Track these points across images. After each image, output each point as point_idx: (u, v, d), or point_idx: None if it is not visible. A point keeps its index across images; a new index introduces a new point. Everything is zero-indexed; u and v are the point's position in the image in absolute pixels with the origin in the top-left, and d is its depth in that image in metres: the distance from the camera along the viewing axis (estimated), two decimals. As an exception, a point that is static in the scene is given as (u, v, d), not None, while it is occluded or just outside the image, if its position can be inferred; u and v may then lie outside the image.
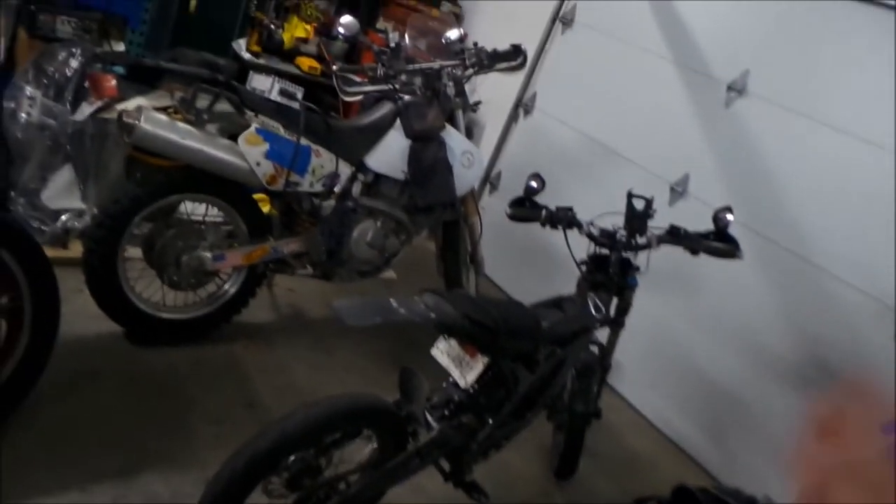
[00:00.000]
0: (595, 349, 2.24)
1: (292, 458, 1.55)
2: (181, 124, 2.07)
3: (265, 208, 2.49)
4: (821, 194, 2.59)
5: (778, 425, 2.64)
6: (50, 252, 1.81)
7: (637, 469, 2.70)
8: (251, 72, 3.49)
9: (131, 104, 2.04)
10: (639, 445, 2.85)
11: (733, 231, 2.11)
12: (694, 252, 2.11)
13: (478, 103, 2.84)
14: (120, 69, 2.20)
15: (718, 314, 2.86)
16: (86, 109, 2.16)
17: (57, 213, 2.50)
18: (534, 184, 2.17)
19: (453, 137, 2.60)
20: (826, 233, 2.57)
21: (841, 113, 2.55)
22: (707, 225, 2.12)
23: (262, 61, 3.62)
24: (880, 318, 2.39)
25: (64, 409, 1.94)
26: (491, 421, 1.79)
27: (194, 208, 2.35)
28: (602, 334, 2.25)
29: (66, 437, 1.85)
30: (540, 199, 2.19)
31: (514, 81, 3.73)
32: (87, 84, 2.28)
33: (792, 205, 2.68)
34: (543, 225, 2.15)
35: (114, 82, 2.12)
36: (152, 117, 2.01)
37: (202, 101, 2.10)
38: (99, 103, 2.10)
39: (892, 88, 2.42)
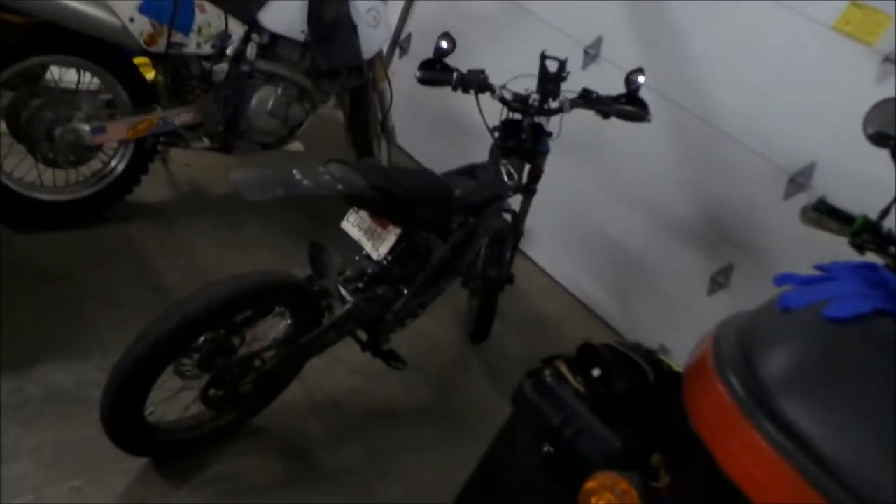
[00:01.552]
0: (508, 216, 2.25)
1: (202, 338, 1.50)
2: (29, -30, 1.75)
3: (149, 74, 2.23)
4: (729, 58, 2.60)
5: (676, 283, 2.83)
6: None
7: (548, 329, 2.86)
8: None
9: (-40, -56, 1.69)
10: (549, 307, 3.00)
11: (644, 94, 2.10)
12: (605, 115, 2.10)
13: (383, -47, 2.58)
14: None
15: (627, 179, 2.94)
16: None
17: None
18: (444, 44, 2.05)
19: (357, -8, 2.38)
20: (731, 97, 2.61)
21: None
22: (619, 90, 2.10)
23: None
24: (774, 181, 2.52)
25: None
26: (406, 291, 1.79)
27: (64, 74, 2.06)
28: (515, 201, 2.26)
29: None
30: (451, 61, 2.07)
31: (422, -70, 3.42)
32: None
33: (701, 70, 2.68)
34: (455, 89, 2.05)
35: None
36: (-10, -39, 1.68)
37: (52, -58, 1.77)
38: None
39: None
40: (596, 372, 1.07)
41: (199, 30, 2.07)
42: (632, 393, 1.05)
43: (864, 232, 1.27)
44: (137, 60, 2.16)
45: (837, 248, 1.42)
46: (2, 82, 1.90)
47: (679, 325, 2.80)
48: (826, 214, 1.37)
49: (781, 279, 0.92)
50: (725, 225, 2.68)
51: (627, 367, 1.07)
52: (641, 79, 2.06)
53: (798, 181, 2.46)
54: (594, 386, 1.05)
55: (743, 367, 0.80)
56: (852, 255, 1.35)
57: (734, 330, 0.89)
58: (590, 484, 0.86)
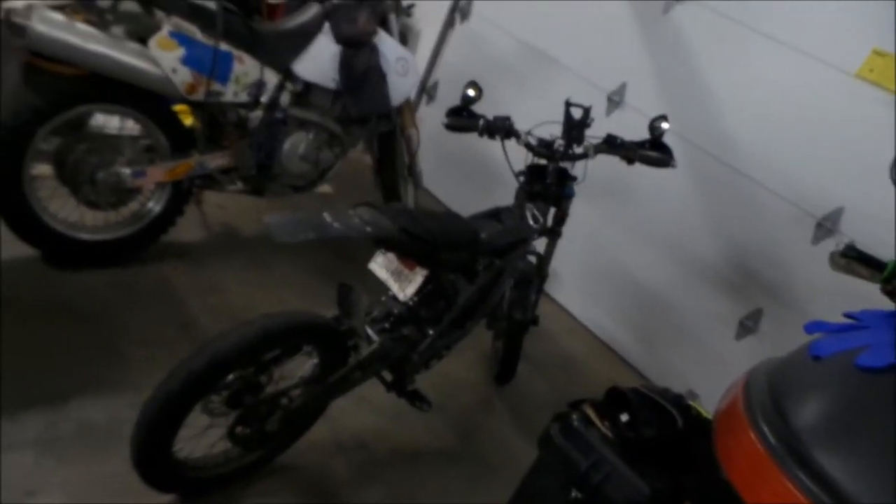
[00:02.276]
0: (533, 259, 2.27)
1: (231, 376, 1.53)
2: (81, 25, 1.86)
3: (187, 120, 2.33)
4: (753, 105, 2.62)
5: (702, 327, 2.80)
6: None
7: (573, 372, 2.83)
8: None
9: (20, 2, 1.81)
10: (575, 349, 2.98)
11: (668, 140, 2.13)
12: (630, 161, 2.13)
13: (411, 6, 2.69)
14: (3, -39, 1.94)
15: (652, 223, 2.94)
16: (-34, 8, 1.91)
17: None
18: (471, 92, 2.11)
19: (386, 43, 2.47)
20: (755, 143, 2.62)
21: (777, 23, 2.54)
22: (643, 136, 2.13)
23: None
24: (801, 225, 2.50)
25: (-17, 338, 1.83)
26: (431, 332, 1.80)
27: (107, 121, 2.16)
28: (540, 244, 2.28)
29: (-14, 367, 1.76)
30: (478, 108, 2.13)
31: (450, -17, 3.55)
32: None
33: (725, 115, 2.71)
34: (481, 135, 2.10)
35: (-3, -23, 1.87)
36: (46, 17, 1.80)
37: (104, 0, 1.89)
38: (-21, 1, 1.86)
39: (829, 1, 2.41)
40: (624, 417, 1.06)
41: (237, 79, 2.17)
42: (660, 438, 1.04)
43: (895, 278, 1.25)
44: (177, 108, 2.26)
45: (869, 294, 1.41)
46: (50, 129, 2.01)
47: (707, 369, 2.76)
48: (855, 260, 1.36)
49: (812, 327, 0.92)
50: (753, 269, 2.66)
51: (656, 413, 1.07)
52: (665, 125, 2.09)
53: (826, 226, 2.45)
54: (622, 431, 1.05)
55: (775, 414, 0.80)
56: (884, 301, 1.33)
57: (765, 377, 0.88)
58: (618, 530, 0.85)
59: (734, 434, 0.84)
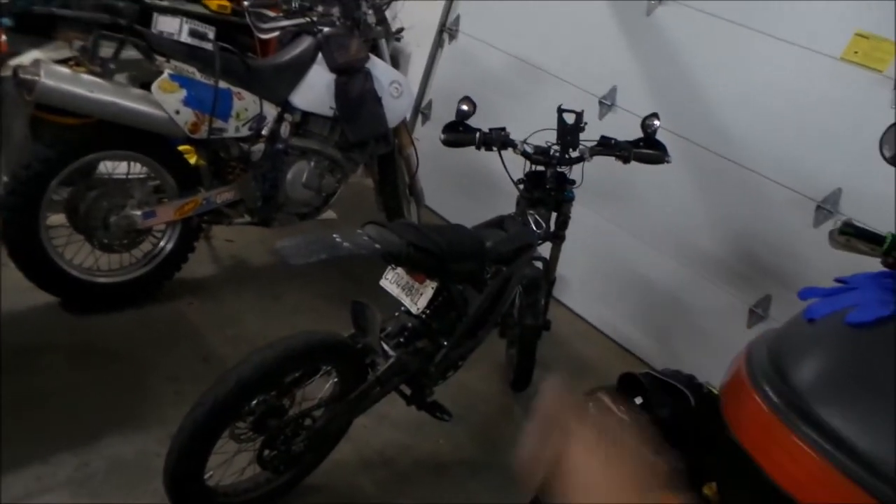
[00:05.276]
0: (539, 264, 2.30)
1: (254, 401, 1.57)
2: (86, 76, 1.94)
3: (192, 159, 2.40)
4: (743, 97, 2.67)
5: (714, 318, 2.82)
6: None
7: (588, 373, 2.85)
8: (155, 14, 3.25)
9: (27, 58, 1.89)
10: (588, 352, 3.00)
11: (661, 137, 2.18)
12: (625, 160, 2.17)
13: (400, 30, 2.77)
14: (7, 21, 2.03)
15: (654, 220, 2.98)
16: (-24, 69, 1.99)
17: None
18: (465, 107, 2.16)
19: (379, 67, 2.54)
20: (749, 134, 2.67)
21: (758, 14, 2.60)
22: (636, 136, 2.18)
23: (165, 2, 3.38)
24: (801, 210, 2.54)
25: (13, 386, 1.87)
26: (445, 343, 1.84)
27: (115, 166, 2.23)
28: (545, 249, 2.31)
29: (19, 414, 1.79)
30: (472, 122, 2.19)
31: (435, 5, 3.64)
32: (-28, 41, 2.09)
33: (716, 109, 2.76)
34: (478, 147, 2.15)
35: (3, 37, 1.96)
36: (53, 71, 1.87)
37: (106, 50, 1.97)
38: (-11, 61, 1.94)
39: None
40: (638, 400, 1.09)
41: (237, 115, 2.24)
42: (675, 418, 1.07)
43: (894, 250, 1.29)
44: (181, 147, 2.33)
45: (872, 269, 1.44)
46: (61, 179, 2.07)
47: (721, 359, 2.71)
48: (854, 236, 1.40)
49: (805, 293, 0.96)
50: (759, 257, 2.69)
51: (668, 393, 1.10)
52: (657, 122, 2.14)
53: (825, 208, 2.48)
54: (637, 413, 1.07)
55: (775, 376, 0.84)
56: (884, 273, 1.36)
57: (764, 344, 0.92)
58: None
59: (740, 400, 0.88)
